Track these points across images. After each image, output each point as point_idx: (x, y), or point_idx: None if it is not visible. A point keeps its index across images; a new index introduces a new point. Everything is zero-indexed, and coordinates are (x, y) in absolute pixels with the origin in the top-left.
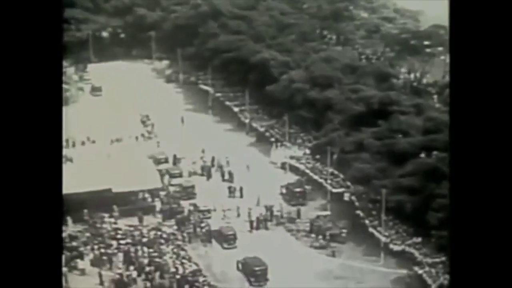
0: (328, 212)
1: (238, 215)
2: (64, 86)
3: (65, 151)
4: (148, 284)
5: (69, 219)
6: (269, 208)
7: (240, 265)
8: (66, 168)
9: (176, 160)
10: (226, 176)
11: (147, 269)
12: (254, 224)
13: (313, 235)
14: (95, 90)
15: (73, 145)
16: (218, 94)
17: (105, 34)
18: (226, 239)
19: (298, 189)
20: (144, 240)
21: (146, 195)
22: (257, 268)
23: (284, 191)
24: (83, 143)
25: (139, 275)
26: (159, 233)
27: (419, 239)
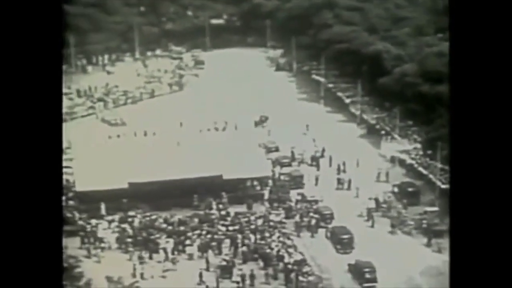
0: (436, 208)
1: (345, 207)
2: (180, 71)
3: (177, 137)
4: (255, 271)
5: (179, 204)
6: (376, 201)
7: (328, 234)
8: (176, 153)
9: (286, 149)
10: (335, 167)
11: (253, 256)
12: (362, 216)
13: (419, 230)
14: (198, 63)
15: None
16: (330, 85)
17: (221, 21)
18: (324, 218)
19: (411, 189)
20: (252, 227)
21: (255, 182)
22: (344, 237)
23: (396, 190)
24: (195, 129)
25: (245, 262)
26: (266, 221)
27: None
